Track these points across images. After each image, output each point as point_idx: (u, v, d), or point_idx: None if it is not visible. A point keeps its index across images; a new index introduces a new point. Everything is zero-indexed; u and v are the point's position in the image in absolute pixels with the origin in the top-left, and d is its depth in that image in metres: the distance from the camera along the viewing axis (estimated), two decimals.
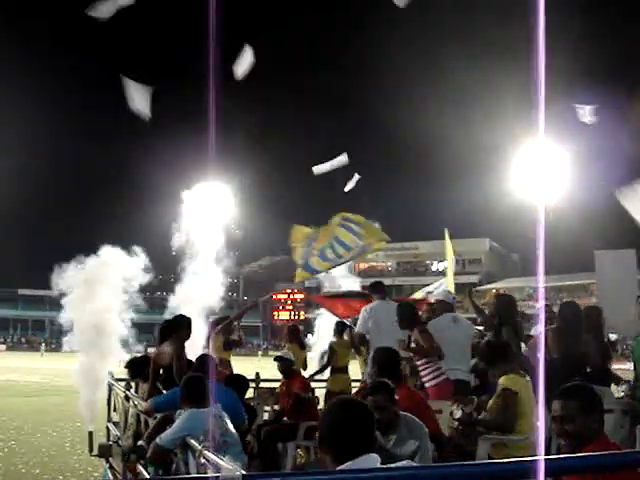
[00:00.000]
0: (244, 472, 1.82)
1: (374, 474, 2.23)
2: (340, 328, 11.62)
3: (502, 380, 6.24)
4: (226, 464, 2.38)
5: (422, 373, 7.98)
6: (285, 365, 9.37)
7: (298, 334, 12.61)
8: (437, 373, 7.83)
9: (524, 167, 23.33)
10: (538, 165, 21.48)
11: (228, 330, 11.16)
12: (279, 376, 9.85)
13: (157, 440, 5.64)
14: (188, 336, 8.33)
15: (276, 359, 9.58)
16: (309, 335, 16.10)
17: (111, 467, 9.39)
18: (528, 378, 6.15)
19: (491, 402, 6.24)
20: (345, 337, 11.38)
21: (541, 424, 5.03)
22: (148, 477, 6.23)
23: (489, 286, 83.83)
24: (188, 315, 8.71)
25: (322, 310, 15.46)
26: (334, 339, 11.60)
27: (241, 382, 7.85)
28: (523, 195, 22.76)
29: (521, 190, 23.21)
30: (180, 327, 8.31)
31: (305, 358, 12.09)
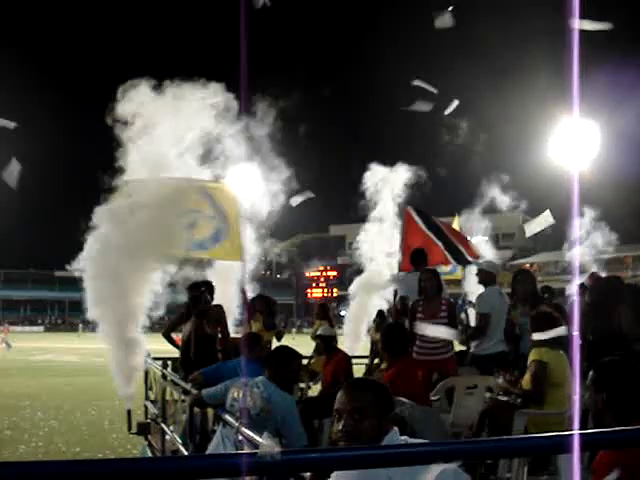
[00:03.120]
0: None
1: (410, 450, 2.23)
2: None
3: (531, 353, 6.26)
4: (264, 440, 2.39)
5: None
6: (327, 342, 9.34)
7: (328, 311, 12.62)
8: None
9: (559, 141, 23.02)
10: (573, 138, 21.20)
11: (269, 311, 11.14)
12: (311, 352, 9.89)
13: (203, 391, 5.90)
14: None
15: (317, 337, 9.57)
16: (342, 312, 16.07)
17: (150, 444, 9.53)
18: (562, 351, 6.12)
19: (525, 376, 6.25)
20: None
21: (577, 397, 5.01)
22: (186, 454, 6.31)
23: (523, 260, 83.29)
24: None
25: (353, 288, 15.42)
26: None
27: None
28: (558, 169, 22.47)
29: (556, 164, 22.92)
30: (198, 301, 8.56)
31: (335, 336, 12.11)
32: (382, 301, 13.93)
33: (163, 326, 10.06)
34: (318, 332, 9.71)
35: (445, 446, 2.27)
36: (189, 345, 8.47)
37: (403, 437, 2.90)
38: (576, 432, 1.97)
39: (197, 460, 2.01)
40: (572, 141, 21.34)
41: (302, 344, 11.78)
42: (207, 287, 8.97)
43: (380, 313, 12.14)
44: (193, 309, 8.65)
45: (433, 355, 7.74)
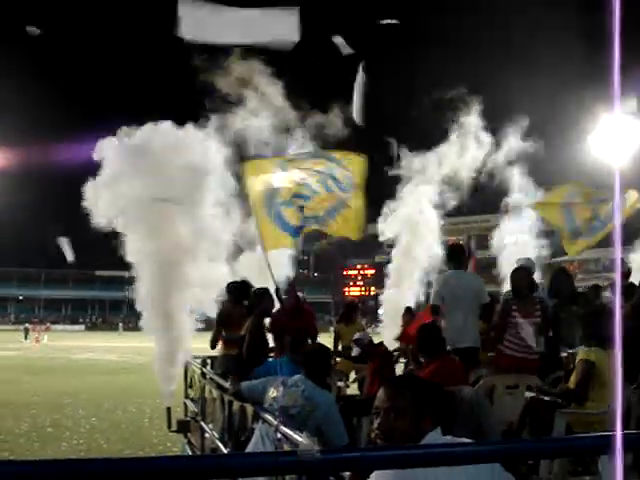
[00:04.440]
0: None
1: (449, 450, 2.21)
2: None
3: (579, 352, 6.18)
4: (303, 439, 2.40)
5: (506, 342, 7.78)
6: (366, 349, 9.19)
7: (353, 312, 12.46)
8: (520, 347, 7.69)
9: (600, 136, 22.71)
10: (615, 134, 20.89)
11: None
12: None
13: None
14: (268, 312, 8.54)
15: (354, 342, 9.48)
16: (379, 311, 16.02)
17: (189, 442, 9.59)
18: (610, 351, 6.03)
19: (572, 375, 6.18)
20: None
21: (619, 397, 4.92)
22: (225, 452, 6.34)
23: (563, 258, 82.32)
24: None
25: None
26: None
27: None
28: (599, 164, 22.17)
29: (597, 159, 22.62)
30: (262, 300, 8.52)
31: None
32: (412, 297, 13.93)
33: (208, 325, 10.09)
34: (355, 336, 9.54)
35: (485, 446, 2.25)
36: (243, 342, 8.49)
37: (448, 437, 2.87)
38: (618, 432, 1.93)
39: (237, 458, 2.01)
40: (613, 137, 21.04)
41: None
42: (246, 286, 9.04)
43: (408, 310, 12.04)
44: (255, 308, 8.63)
45: (529, 354, 7.57)
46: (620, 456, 1.89)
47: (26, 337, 60.49)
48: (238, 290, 9.06)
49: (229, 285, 9.26)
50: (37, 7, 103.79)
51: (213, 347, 9.21)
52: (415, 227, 15.26)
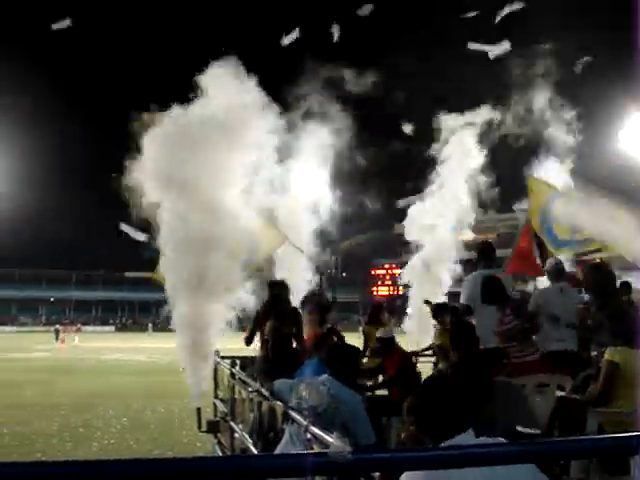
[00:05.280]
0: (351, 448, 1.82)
1: (480, 450, 2.19)
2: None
3: (606, 353, 6.11)
4: (334, 440, 2.39)
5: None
6: (386, 344, 9.22)
7: (379, 313, 12.38)
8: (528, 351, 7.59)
9: (630, 134, 22.49)
10: None
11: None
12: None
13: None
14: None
15: (377, 340, 9.47)
16: (408, 310, 15.84)
17: (219, 443, 9.62)
18: (638, 350, 5.96)
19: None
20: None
21: None
22: (255, 452, 6.35)
23: (593, 255, 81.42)
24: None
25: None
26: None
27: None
28: (630, 160, 21.94)
29: (628, 154, 22.38)
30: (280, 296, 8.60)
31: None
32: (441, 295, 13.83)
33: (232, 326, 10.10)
34: (378, 335, 9.56)
35: (516, 447, 2.23)
36: (267, 345, 8.53)
37: (482, 438, 2.86)
38: None
39: (268, 459, 2.02)
40: None
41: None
42: (284, 287, 9.07)
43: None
44: (273, 309, 8.69)
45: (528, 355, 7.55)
46: None
47: (57, 338, 61.13)
48: (278, 290, 9.08)
49: (270, 283, 9.29)
50: None
51: (248, 344, 9.23)
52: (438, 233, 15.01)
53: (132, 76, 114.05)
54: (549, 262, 9.02)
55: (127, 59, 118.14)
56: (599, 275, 8.05)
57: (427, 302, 11.28)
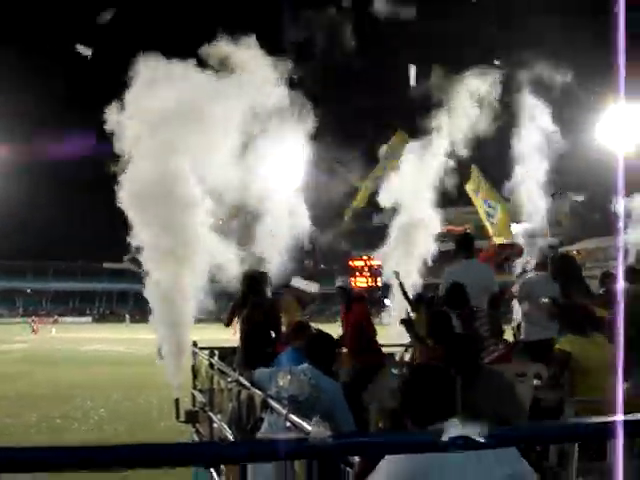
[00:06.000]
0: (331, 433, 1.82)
1: (463, 435, 2.19)
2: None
3: (557, 342, 6.22)
4: (314, 424, 2.41)
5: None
6: (348, 294, 9.26)
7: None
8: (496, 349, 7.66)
9: (606, 124, 22.63)
10: (620, 122, 20.81)
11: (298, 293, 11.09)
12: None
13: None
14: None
15: (338, 289, 9.41)
16: (386, 300, 15.81)
17: (198, 432, 9.62)
18: (597, 336, 6.04)
19: None
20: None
21: (619, 383, 4.91)
22: (232, 440, 6.36)
23: (570, 247, 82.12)
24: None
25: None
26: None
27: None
28: (604, 153, 22.08)
29: (602, 148, 22.53)
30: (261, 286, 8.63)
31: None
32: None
33: (210, 316, 10.12)
34: (337, 284, 9.53)
35: (497, 431, 2.23)
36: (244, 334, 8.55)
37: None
38: (619, 418, 1.93)
39: (250, 445, 2.01)
40: (619, 124, 20.97)
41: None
42: (263, 277, 9.05)
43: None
44: (250, 298, 8.66)
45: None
46: (621, 441, 1.89)
47: (33, 331, 60.85)
48: (253, 281, 9.02)
49: (245, 274, 9.21)
50: None
51: (228, 325, 9.21)
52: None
53: None
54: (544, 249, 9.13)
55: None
56: (563, 264, 8.15)
57: (396, 273, 11.20)
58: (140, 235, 9.40)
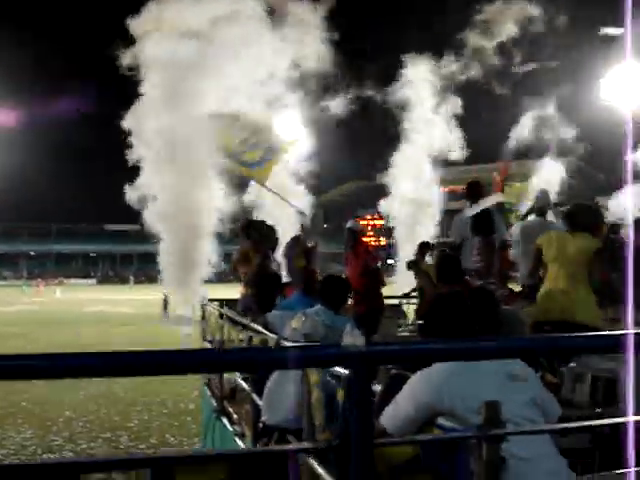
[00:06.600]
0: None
1: (479, 345, 2.23)
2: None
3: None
4: (347, 333, 2.47)
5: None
6: (355, 234, 9.61)
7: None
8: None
9: (612, 85, 22.48)
10: (626, 80, 20.67)
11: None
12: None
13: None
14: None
15: (347, 230, 9.62)
16: (390, 261, 15.96)
17: (208, 384, 9.71)
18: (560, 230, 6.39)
19: None
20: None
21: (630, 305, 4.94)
22: (247, 388, 6.44)
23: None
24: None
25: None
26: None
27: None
28: (611, 110, 21.96)
29: (609, 108, 22.39)
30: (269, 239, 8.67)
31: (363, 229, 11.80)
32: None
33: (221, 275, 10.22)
34: (347, 225, 9.72)
35: (507, 342, 2.29)
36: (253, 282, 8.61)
37: None
38: (631, 332, 1.99)
39: (289, 351, 2.05)
40: (625, 83, 20.84)
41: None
42: (269, 228, 9.10)
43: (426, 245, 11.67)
44: (260, 247, 8.69)
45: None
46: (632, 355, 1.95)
47: (37, 292, 61.20)
48: (246, 228, 9.07)
49: (243, 222, 9.29)
50: None
51: (234, 270, 9.30)
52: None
53: None
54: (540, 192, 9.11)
55: None
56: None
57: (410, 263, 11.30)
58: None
